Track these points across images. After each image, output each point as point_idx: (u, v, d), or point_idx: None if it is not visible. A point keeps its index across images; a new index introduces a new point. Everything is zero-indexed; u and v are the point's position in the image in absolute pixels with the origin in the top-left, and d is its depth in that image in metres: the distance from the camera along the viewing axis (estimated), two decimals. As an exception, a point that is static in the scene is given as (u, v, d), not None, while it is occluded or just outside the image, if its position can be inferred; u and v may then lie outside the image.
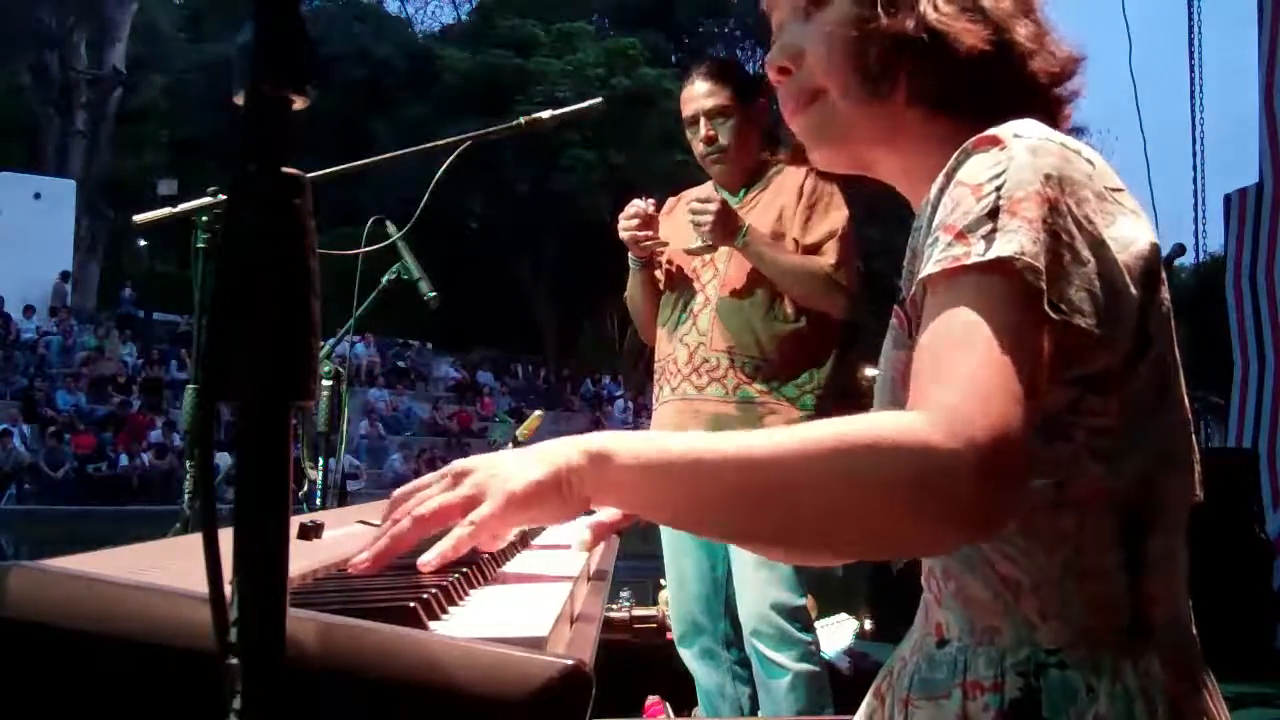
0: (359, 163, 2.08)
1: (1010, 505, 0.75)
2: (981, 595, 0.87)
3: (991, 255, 0.76)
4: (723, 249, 2.52)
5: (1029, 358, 0.75)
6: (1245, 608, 4.12)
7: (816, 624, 2.74)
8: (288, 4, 0.49)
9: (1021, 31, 0.91)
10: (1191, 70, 8.19)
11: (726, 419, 2.43)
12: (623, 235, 2.54)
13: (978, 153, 0.82)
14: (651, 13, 28.50)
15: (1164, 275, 0.86)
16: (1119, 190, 0.85)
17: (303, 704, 0.51)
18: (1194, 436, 0.91)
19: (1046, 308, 0.77)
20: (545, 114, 2.12)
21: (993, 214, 0.78)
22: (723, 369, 2.46)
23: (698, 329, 2.50)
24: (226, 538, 0.47)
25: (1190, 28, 8.04)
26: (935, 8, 0.90)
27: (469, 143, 2.00)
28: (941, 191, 0.84)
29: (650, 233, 2.53)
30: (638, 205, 2.54)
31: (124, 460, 16.66)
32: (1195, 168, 8.37)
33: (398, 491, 0.88)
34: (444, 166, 1.98)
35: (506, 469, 0.81)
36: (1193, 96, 8.21)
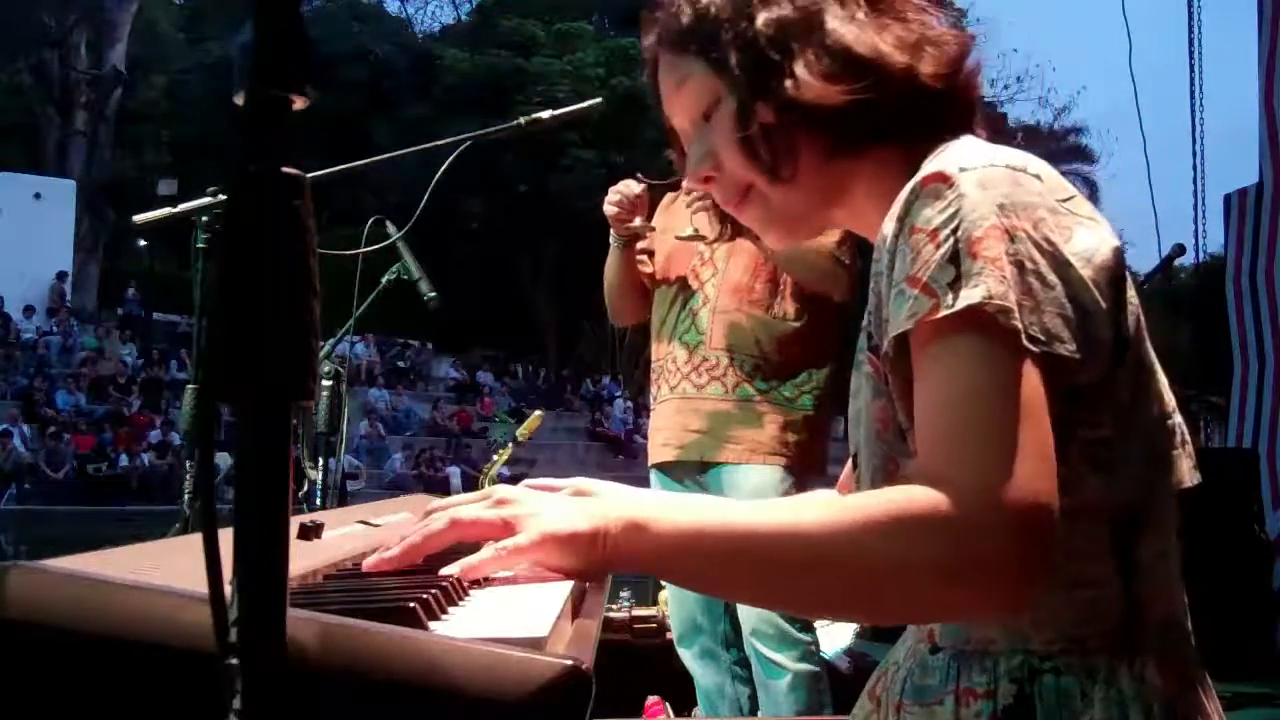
0: (359, 163, 2.08)
1: (1046, 571, 0.76)
2: None
3: (961, 305, 0.76)
4: (721, 246, 2.51)
5: (1030, 411, 0.76)
6: (1245, 608, 4.11)
7: (816, 624, 2.74)
8: (288, 4, 0.49)
9: (894, 50, 0.90)
10: (1191, 70, 8.18)
11: (725, 416, 2.43)
12: (606, 210, 2.53)
13: (926, 194, 0.82)
14: (652, 13, 28.44)
15: (1128, 275, 0.86)
16: (1070, 199, 0.85)
17: (303, 704, 0.51)
18: (1181, 424, 0.90)
19: (1026, 343, 0.76)
20: (545, 114, 2.12)
21: (954, 259, 0.78)
22: (722, 368, 2.45)
23: (697, 328, 2.50)
24: (226, 538, 0.47)
25: (1190, 28, 8.03)
26: (795, 83, 0.90)
27: (469, 143, 2.00)
28: (896, 237, 0.83)
29: (632, 217, 2.51)
30: (627, 186, 2.53)
31: (124, 460, 16.66)
32: (1195, 168, 8.36)
33: (435, 503, 0.91)
34: (444, 166, 1.98)
35: (549, 509, 0.83)
36: (1193, 96, 8.20)
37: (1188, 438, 0.90)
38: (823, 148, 0.92)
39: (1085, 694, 0.82)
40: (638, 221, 2.54)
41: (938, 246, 0.79)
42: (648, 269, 2.66)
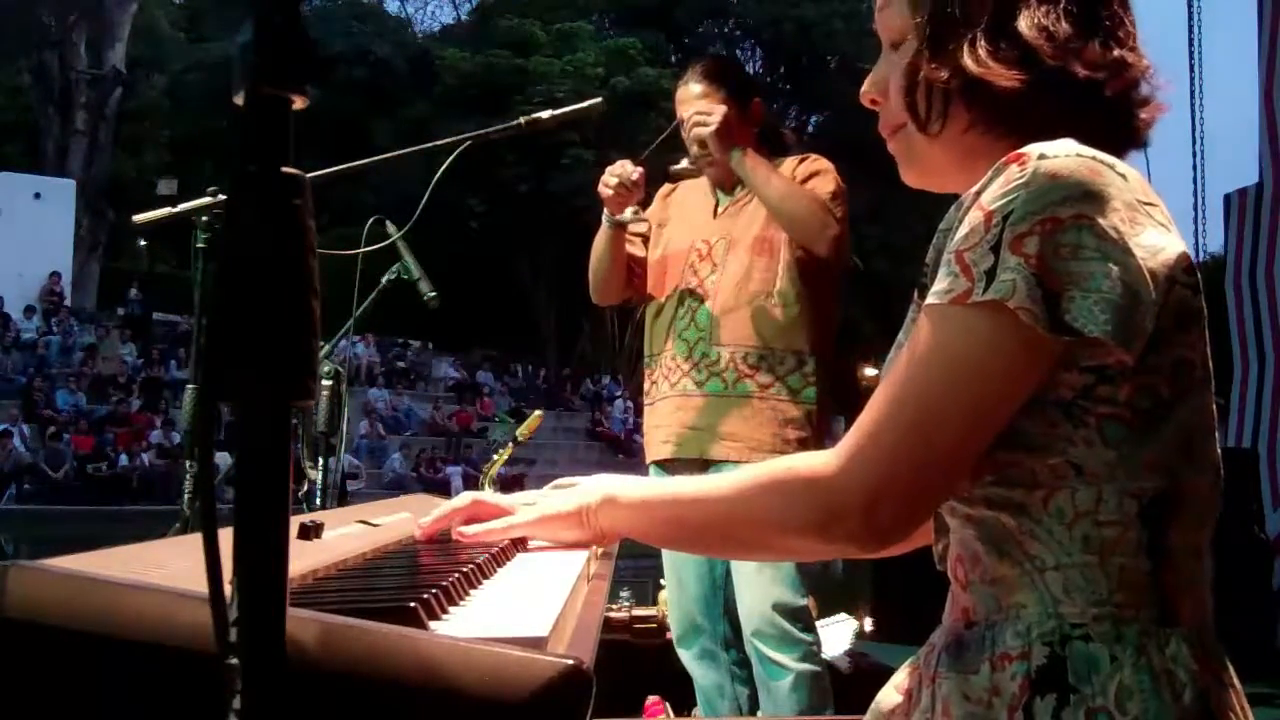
0: (359, 163, 2.08)
1: (899, 535, 0.90)
2: (1009, 573, 0.89)
3: (988, 297, 0.82)
4: (720, 243, 2.50)
5: (978, 414, 0.85)
6: (1245, 608, 4.12)
7: (816, 624, 2.74)
8: (288, 4, 0.49)
9: (1079, 64, 0.93)
10: (1191, 70, 8.19)
11: (725, 413, 2.41)
12: (600, 191, 2.52)
13: (1000, 170, 0.87)
14: (651, 13, 28.46)
15: (1197, 283, 0.88)
16: (1152, 205, 0.88)
17: (303, 704, 0.51)
18: (1220, 461, 0.92)
19: (1049, 332, 0.81)
20: (545, 114, 2.12)
21: (995, 248, 0.83)
22: (723, 363, 2.44)
23: (696, 324, 2.48)
24: (226, 538, 0.47)
25: (1190, 28, 8.04)
26: (975, 57, 0.94)
27: (469, 143, 2.00)
28: (967, 208, 0.88)
29: (628, 200, 2.50)
30: (623, 168, 2.51)
31: (124, 460, 16.64)
32: (1195, 168, 8.37)
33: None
34: (444, 166, 1.98)
35: (546, 501, 1.11)
36: (1193, 96, 8.22)
37: (1222, 474, 0.92)
38: (968, 120, 0.97)
39: (1115, 658, 0.83)
40: (629, 213, 2.52)
41: (987, 229, 0.84)
42: (640, 252, 2.65)
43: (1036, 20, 0.93)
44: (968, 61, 0.94)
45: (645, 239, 2.67)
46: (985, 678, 0.87)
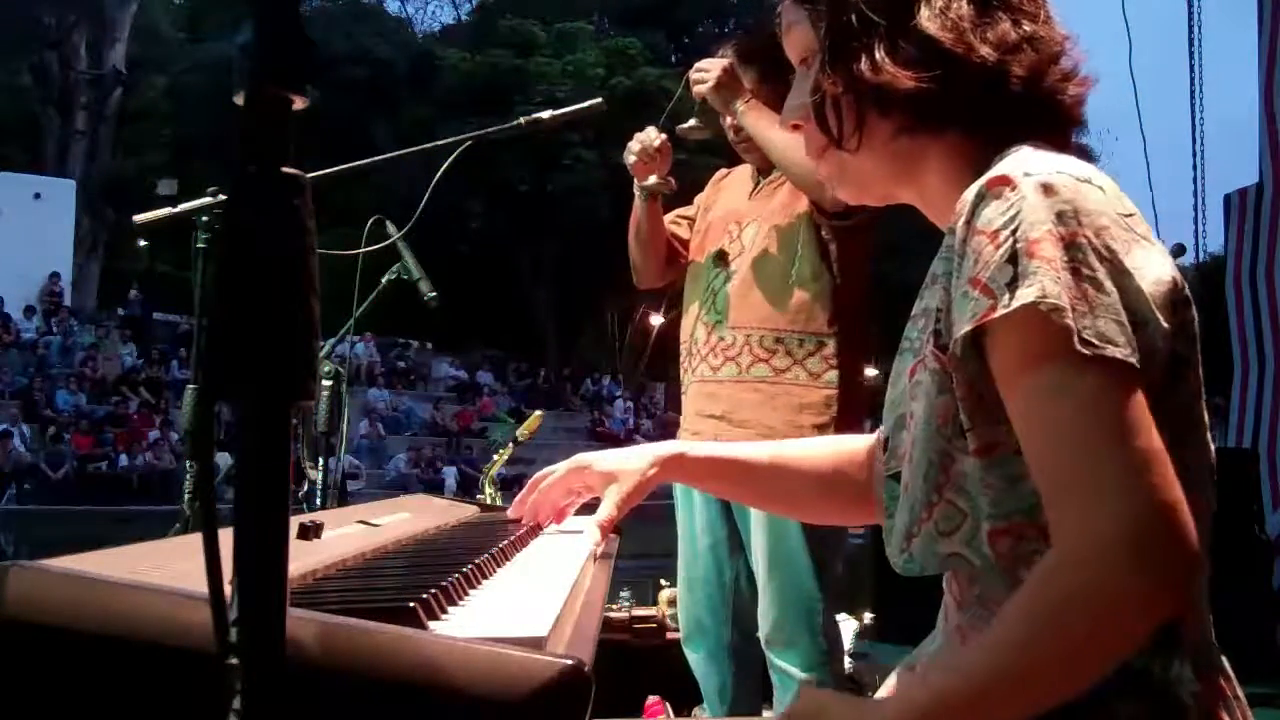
0: (359, 163, 2.08)
1: (1192, 570, 0.78)
2: (1005, 598, 0.86)
3: (1016, 305, 0.79)
4: (751, 225, 2.44)
5: (1124, 429, 0.77)
6: (1245, 608, 4.11)
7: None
8: (288, 4, 0.49)
9: (986, 47, 0.91)
10: (1191, 70, 8.19)
11: (740, 399, 2.35)
12: (625, 160, 2.47)
13: (991, 197, 0.84)
14: (651, 13, 28.46)
15: (1189, 300, 0.86)
16: (1130, 215, 0.86)
17: (303, 704, 0.51)
18: (1213, 452, 0.91)
19: (1078, 345, 0.78)
20: (545, 114, 2.12)
21: (1012, 259, 0.80)
22: (738, 347, 2.38)
23: (716, 307, 2.43)
24: (226, 538, 0.47)
25: (1190, 28, 8.04)
26: (872, 64, 0.92)
27: (469, 143, 2.00)
28: (964, 241, 0.85)
29: (652, 168, 2.45)
30: (647, 135, 2.45)
31: (124, 460, 16.65)
32: (1195, 168, 8.37)
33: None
34: (444, 166, 1.98)
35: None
36: (1193, 96, 8.22)
37: (1215, 475, 0.91)
38: (890, 127, 0.94)
39: (1118, 689, 0.81)
40: (652, 180, 2.46)
41: (997, 247, 0.81)
42: (685, 234, 2.59)
43: (936, 10, 0.91)
44: (864, 69, 0.92)
45: (691, 221, 2.63)
46: None
